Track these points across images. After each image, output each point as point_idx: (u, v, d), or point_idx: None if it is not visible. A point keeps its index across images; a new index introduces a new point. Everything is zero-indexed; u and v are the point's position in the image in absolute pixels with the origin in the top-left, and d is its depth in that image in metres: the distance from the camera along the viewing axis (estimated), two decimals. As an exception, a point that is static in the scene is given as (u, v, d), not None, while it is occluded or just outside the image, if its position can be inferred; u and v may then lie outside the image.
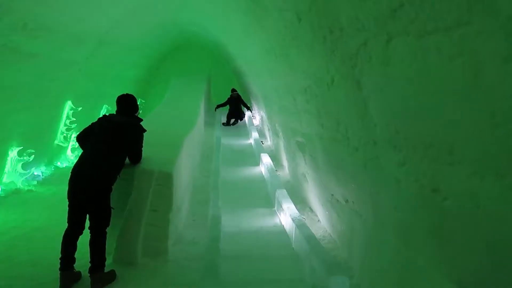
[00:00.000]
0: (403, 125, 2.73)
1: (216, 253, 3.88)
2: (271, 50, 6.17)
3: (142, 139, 4.25)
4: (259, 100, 11.25)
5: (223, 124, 12.43)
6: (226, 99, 12.87)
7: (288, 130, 7.25)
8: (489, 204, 2.03)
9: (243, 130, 12.05)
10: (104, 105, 11.85)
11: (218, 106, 12.91)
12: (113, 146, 3.90)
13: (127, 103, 4.17)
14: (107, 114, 4.25)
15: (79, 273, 3.79)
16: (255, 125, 12.38)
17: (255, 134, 10.49)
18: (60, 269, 3.64)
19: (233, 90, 13.04)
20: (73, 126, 9.43)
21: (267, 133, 11.36)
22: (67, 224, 3.74)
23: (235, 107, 12.65)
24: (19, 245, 4.75)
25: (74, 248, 3.74)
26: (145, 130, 4.20)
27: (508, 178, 1.81)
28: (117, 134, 3.96)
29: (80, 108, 9.55)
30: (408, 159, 2.77)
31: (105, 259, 3.75)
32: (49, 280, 3.74)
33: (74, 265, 3.74)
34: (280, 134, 8.47)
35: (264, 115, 11.23)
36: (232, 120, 12.63)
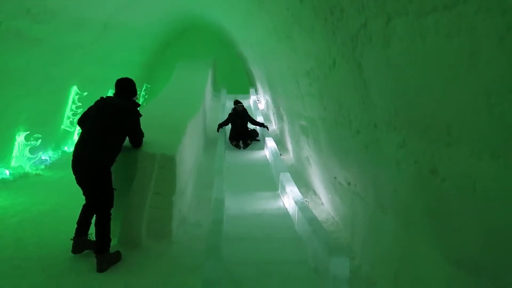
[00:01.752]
0: (402, 107, 2.71)
1: (219, 234, 3.94)
2: (274, 33, 6.12)
3: (139, 124, 4.22)
4: (264, 84, 11.21)
5: (234, 144, 8.84)
6: (228, 114, 9.37)
7: (292, 114, 7.24)
8: (485, 184, 2.03)
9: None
10: (110, 90, 11.87)
11: (221, 126, 9.23)
12: (109, 128, 3.91)
13: (125, 86, 4.17)
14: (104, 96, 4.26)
15: (93, 242, 3.97)
16: (260, 109, 12.36)
17: (260, 119, 10.49)
18: (74, 236, 3.98)
19: (237, 103, 9.37)
20: (79, 111, 9.51)
21: (272, 117, 11.36)
22: None
23: (241, 124, 8.99)
24: (27, 227, 4.85)
25: (87, 218, 4.03)
26: (141, 115, 4.19)
27: (504, 158, 1.81)
28: (113, 117, 3.96)
29: (85, 93, 9.61)
30: (407, 140, 2.77)
31: (109, 240, 3.83)
32: (57, 261, 3.83)
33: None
34: (285, 118, 8.47)
35: (269, 99, 11.20)
36: (241, 142, 8.88)
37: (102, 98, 4.16)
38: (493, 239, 2.12)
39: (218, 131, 9.13)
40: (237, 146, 8.65)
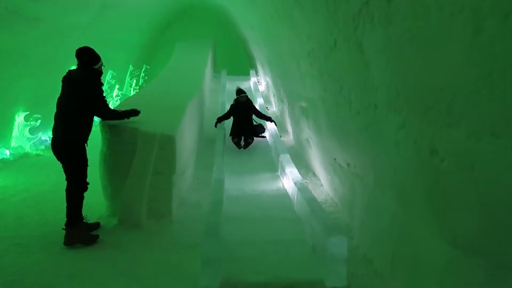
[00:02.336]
0: (403, 87, 2.70)
1: (219, 214, 3.97)
2: (275, 14, 6.04)
3: (98, 93, 3.95)
4: (265, 66, 11.12)
5: (235, 142, 7.42)
6: (230, 106, 7.81)
7: (293, 95, 7.21)
8: (484, 164, 2.03)
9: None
10: (110, 71, 11.81)
11: (220, 120, 7.71)
12: (70, 104, 3.80)
13: (82, 56, 3.93)
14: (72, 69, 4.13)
15: (97, 223, 4.14)
16: (260, 91, 12.29)
17: (260, 100, 10.44)
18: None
19: (240, 92, 7.66)
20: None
21: (272, 99, 11.31)
22: None
23: (244, 118, 7.45)
24: (28, 206, 4.89)
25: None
26: (101, 84, 4.01)
27: (503, 138, 1.81)
28: (72, 91, 3.84)
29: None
30: (407, 121, 2.76)
31: (74, 216, 3.87)
32: (57, 238, 3.87)
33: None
34: (285, 99, 8.43)
35: (269, 80, 11.13)
36: (242, 138, 7.47)
37: (68, 71, 4.04)
38: (491, 219, 2.14)
39: (216, 126, 7.59)
40: (237, 145, 7.30)
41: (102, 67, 4.09)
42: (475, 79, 1.88)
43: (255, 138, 7.43)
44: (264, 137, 7.69)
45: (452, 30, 1.93)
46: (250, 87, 13.08)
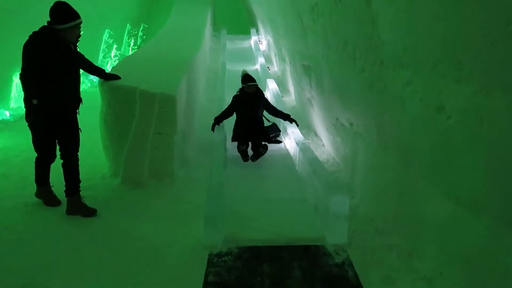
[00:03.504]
0: (412, 41, 2.60)
1: (221, 174, 3.97)
2: (278, -34, 5.77)
3: (25, 54, 3.31)
4: (266, 24, 10.81)
5: (241, 151, 5.12)
6: (233, 97, 5.52)
7: (295, 54, 7.04)
8: (493, 120, 1.99)
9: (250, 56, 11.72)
10: (106, 30, 11.48)
11: (219, 120, 5.45)
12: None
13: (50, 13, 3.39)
14: None
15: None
16: (261, 50, 12.04)
17: (261, 60, 10.25)
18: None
19: (247, 79, 5.39)
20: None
21: (273, 59, 11.09)
22: None
23: (252, 115, 5.33)
24: (31, 166, 4.85)
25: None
26: (28, 44, 3.31)
27: (516, 92, 1.75)
28: None
29: (81, 33, 9.27)
30: (414, 77, 2.69)
31: (79, 182, 3.75)
32: (62, 198, 3.89)
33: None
34: (287, 58, 8.26)
35: (270, 39, 10.86)
36: (250, 145, 5.27)
37: None
38: (497, 176, 2.12)
39: (213, 129, 5.39)
40: (244, 155, 5.05)
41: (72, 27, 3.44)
42: (490, 31, 1.79)
43: (267, 145, 5.24)
44: (279, 142, 5.65)
45: (467, -23, 1.82)
46: (250, 46, 12.81)
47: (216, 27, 14.38)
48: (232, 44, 12.98)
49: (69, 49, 3.50)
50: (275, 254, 3.18)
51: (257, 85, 5.45)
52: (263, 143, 5.15)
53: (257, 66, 10.42)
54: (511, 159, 1.96)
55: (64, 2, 3.43)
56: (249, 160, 5.03)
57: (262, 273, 2.93)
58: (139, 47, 13.39)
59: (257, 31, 13.80)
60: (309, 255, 3.17)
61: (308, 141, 5.71)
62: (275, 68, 10.73)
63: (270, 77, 8.64)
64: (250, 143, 5.22)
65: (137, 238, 3.35)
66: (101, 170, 4.60)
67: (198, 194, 4.08)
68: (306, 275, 2.92)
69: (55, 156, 3.73)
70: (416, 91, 2.70)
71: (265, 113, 5.49)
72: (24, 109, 3.41)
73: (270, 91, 7.69)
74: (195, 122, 6.27)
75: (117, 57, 12.05)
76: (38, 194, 3.89)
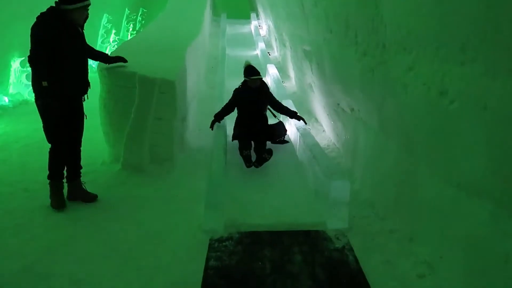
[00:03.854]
0: (415, 24, 2.55)
1: (222, 159, 3.95)
2: None
3: (34, 36, 3.22)
4: (266, 8, 10.67)
5: (244, 155, 4.40)
6: (234, 91, 4.93)
7: (295, 38, 6.96)
8: (497, 104, 1.96)
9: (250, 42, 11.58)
10: (105, 14, 11.34)
11: (218, 117, 4.90)
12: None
13: None
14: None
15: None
16: (262, 35, 11.91)
17: (261, 45, 10.14)
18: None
19: (250, 71, 4.76)
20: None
21: (274, 44, 10.97)
22: None
23: (256, 113, 4.82)
24: (31, 152, 4.89)
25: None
26: (36, 25, 3.21)
27: (521, 75, 1.72)
28: None
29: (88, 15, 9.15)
30: (417, 61, 2.65)
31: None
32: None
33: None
34: (287, 43, 8.17)
35: (271, 24, 10.73)
36: (253, 147, 4.59)
37: None
38: (499, 161, 2.10)
39: (212, 127, 4.85)
40: (247, 161, 4.32)
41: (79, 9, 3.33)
42: (495, 13, 1.75)
43: (272, 149, 4.51)
44: (286, 142, 5.11)
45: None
46: (251, 31, 12.67)
47: (215, 12, 14.21)
48: (232, 28, 12.83)
49: (78, 31, 3.42)
50: (275, 239, 3.19)
51: (262, 78, 4.88)
52: (267, 147, 4.49)
53: (258, 51, 10.33)
54: (515, 144, 1.94)
55: None
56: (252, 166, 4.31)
57: (263, 258, 2.94)
58: (138, 32, 13.25)
59: (257, 15, 13.63)
60: (310, 240, 3.18)
61: (309, 127, 5.69)
62: (275, 53, 10.63)
63: (270, 63, 8.56)
64: (252, 142, 4.58)
65: (138, 223, 3.36)
66: (101, 156, 4.60)
67: (199, 179, 4.09)
68: (306, 259, 2.93)
69: (69, 143, 3.57)
70: (418, 75, 2.67)
71: (269, 106, 5.02)
72: (34, 93, 3.34)
73: (271, 76, 7.63)
74: (195, 107, 6.24)
75: (116, 42, 11.93)
76: (57, 192, 3.55)
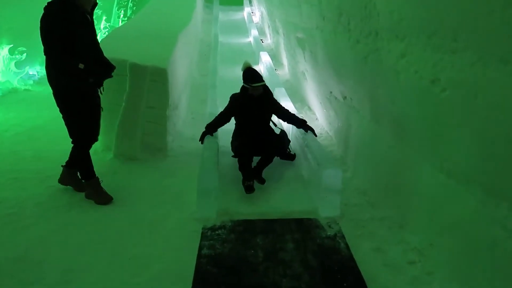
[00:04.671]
0: (408, 12, 2.54)
1: (214, 147, 3.94)
2: None
3: (44, 29, 3.06)
4: (259, -6, 10.55)
5: (246, 186, 3.55)
6: (231, 98, 4.07)
7: (289, 25, 6.90)
8: (488, 92, 1.97)
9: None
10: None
11: (211, 129, 4.10)
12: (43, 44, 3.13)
13: None
14: None
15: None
16: (254, 22, 11.80)
17: (254, 32, 10.05)
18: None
19: (251, 77, 3.88)
20: (64, 23, 8.99)
21: (267, 31, 10.88)
22: None
23: (258, 122, 4.04)
24: (22, 141, 4.84)
25: None
26: (46, 16, 3.05)
27: (512, 64, 1.73)
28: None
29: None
30: (409, 49, 2.64)
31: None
32: (55, 173, 3.85)
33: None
34: (280, 30, 8.10)
35: (264, 10, 10.62)
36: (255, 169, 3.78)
37: None
38: (489, 149, 2.12)
39: (201, 140, 4.07)
40: (248, 190, 3.54)
41: None
42: (488, 1, 1.75)
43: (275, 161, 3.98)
44: (293, 156, 4.28)
45: None
46: (243, 18, 12.55)
47: (208, -2, 14.02)
48: (225, 15, 12.69)
49: (87, 20, 3.24)
50: (268, 227, 3.20)
51: (265, 83, 3.96)
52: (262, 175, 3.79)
53: (251, 39, 10.24)
54: (504, 132, 1.95)
55: None
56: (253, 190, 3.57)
57: (255, 245, 2.96)
58: (129, 18, 13.06)
59: (250, 2, 13.49)
60: (302, 228, 3.20)
61: (302, 115, 5.69)
62: (268, 40, 10.55)
63: (263, 50, 8.50)
64: (255, 149, 3.84)
65: (131, 212, 3.36)
66: (93, 145, 4.55)
67: (191, 168, 4.07)
68: (299, 247, 2.95)
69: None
70: (410, 63, 2.67)
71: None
72: (56, 85, 3.18)
73: (264, 64, 7.59)
74: (188, 95, 6.20)
75: (107, 29, 11.75)
76: (92, 190, 3.48)
